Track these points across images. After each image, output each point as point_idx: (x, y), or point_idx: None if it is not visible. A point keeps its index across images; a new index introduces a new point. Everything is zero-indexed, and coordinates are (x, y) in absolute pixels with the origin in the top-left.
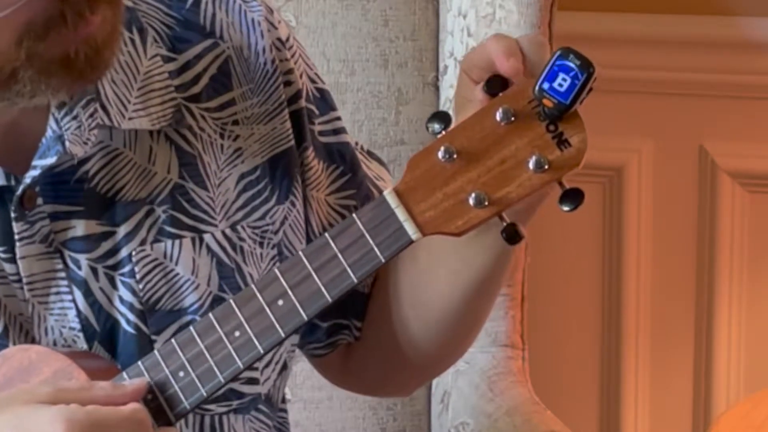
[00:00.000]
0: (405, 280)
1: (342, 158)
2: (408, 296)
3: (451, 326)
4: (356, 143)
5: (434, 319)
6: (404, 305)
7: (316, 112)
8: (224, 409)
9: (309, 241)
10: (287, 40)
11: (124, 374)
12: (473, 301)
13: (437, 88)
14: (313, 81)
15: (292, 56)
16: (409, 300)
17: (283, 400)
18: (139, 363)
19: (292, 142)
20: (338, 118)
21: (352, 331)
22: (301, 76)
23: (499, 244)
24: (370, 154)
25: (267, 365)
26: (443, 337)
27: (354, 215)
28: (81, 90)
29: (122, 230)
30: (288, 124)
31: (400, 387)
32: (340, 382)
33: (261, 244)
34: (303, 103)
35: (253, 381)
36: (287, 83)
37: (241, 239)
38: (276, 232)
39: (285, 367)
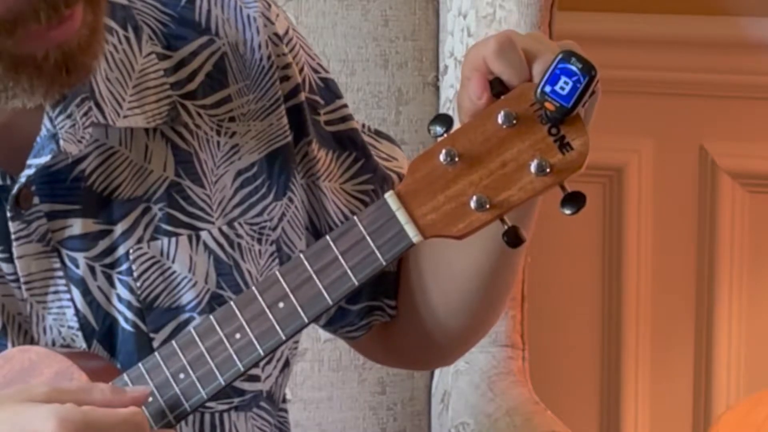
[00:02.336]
0: (425, 250)
1: (353, 144)
2: (430, 266)
3: (471, 299)
4: (363, 125)
5: (454, 289)
6: (427, 277)
7: (321, 102)
8: (225, 407)
9: (331, 231)
10: (285, 33)
11: (125, 377)
12: (490, 271)
13: (437, 88)
14: (316, 71)
15: (291, 50)
16: (432, 271)
17: (284, 400)
18: (140, 365)
19: (289, 138)
20: (345, 106)
21: (386, 311)
22: (301, 70)
23: (514, 218)
24: (378, 133)
25: (268, 362)
26: (464, 313)
27: (355, 217)
28: (58, 94)
29: (119, 228)
30: (285, 120)
31: (439, 359)
32: (383, 360)
33: (259, 241)
34: (303, 96)
35: (254, 378)
36: (284, 78)
37: (239, 236)
38: (274, 229)
39: (287, 364)
